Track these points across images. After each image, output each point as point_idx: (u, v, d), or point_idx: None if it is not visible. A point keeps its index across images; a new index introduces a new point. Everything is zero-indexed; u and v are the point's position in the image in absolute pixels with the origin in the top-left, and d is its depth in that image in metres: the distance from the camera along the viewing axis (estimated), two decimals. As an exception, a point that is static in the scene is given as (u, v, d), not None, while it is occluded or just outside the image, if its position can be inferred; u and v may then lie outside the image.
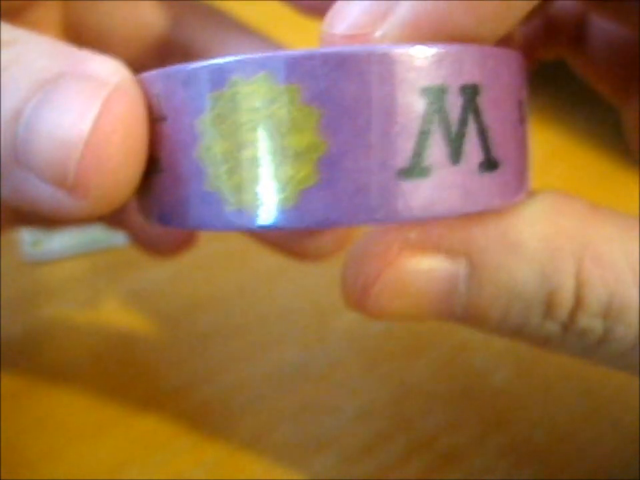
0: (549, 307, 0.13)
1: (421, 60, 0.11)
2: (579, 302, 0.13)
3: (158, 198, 0.13)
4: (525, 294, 0.13)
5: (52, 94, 0.12)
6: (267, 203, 0.11)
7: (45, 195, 0.12)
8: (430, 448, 0.21)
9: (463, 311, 0.13)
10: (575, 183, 0.33)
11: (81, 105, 0.12)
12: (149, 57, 0.20)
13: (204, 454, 0.20)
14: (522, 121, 0.13)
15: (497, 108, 0.12)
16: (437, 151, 0.12)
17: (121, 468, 0.20)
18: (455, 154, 0.12)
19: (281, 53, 0.11)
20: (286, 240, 0.20)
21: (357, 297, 0.13)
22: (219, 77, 0.11)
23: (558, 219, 0.13)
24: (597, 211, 0.13)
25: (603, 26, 0.19)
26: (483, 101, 0.12)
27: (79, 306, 0.25)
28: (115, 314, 0.25)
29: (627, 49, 0.19)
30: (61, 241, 0.27)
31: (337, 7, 0.12)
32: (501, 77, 0.12)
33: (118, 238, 0.28)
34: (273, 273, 0.27)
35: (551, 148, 0.36)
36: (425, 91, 0.11)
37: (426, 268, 0.13)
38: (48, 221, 0.22)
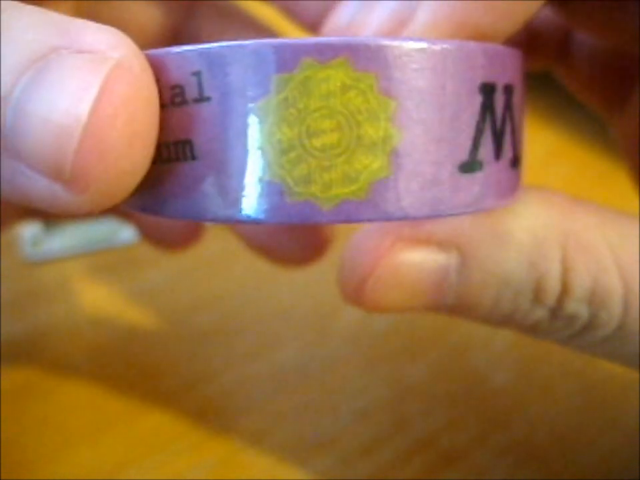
0: (537, 293, 0.13)
1: (482, 57, 0.12)
2: (565, 287, 0.13)
3: (185, 189, 0.12)
4: (514, 282, 0.13)
5: (44, 72, 0.10)
6: (337, 194, 0.11)
7: (39, 187, 0.11)
8: (430, 448, 0.21)
9: (455, 300, 0.14)
10: (575, 183, 0.33)
11: (78, 85, 0.10)
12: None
13: (204, 454, 0.20)
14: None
15: (520, 108, 0.13)
16: (487, 146, 0.12)
17: (121, 468, 0.20)
18: (498, 150, 0.12)
19: (362, 38, 0.11)
20: (272, 244, 0.20)
21: (353, 290, 0.14)
22: (289, 58, 0.11)
23: (542, 211, 0.13)
24: (577, 202, 0.14)
25: (587, 38, 0.19)
26: (515, 100, 0.13)
27: (78, 306, 0.25)
28: (115, 314, 0.25)
29: (611, 61, 0.19)
30: (61, 241, 0.27)
31: (356, 15, 0.13)
32: (522, 78, 0.13)
33: (119, 237, 0.28)
34: (273, 273, 0.27)
35: (550, 148, 0.36)
36: (483, 88, 0.12)
37: (418, 260, 0.13)
38: (50, 214, 0.22)
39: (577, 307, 0.14)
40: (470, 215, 0.13)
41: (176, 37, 0.20)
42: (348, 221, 0.11)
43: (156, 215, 0.12)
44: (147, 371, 0.23)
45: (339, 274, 0.14)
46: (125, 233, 0.28)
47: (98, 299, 0.25)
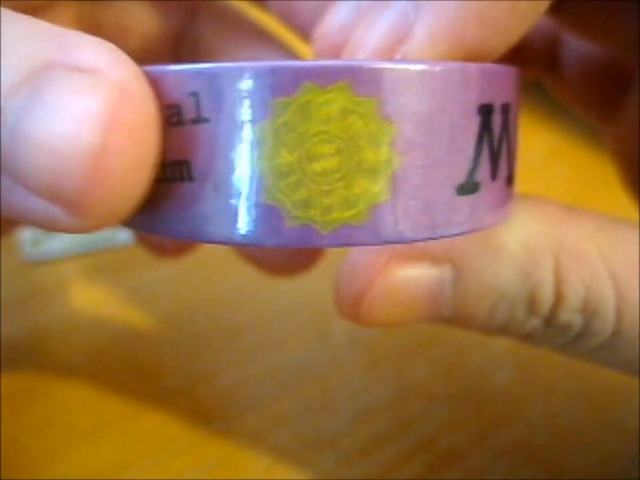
0: (531, 303, 0.14)
1: (481, 78, 0.12)
2: (558, 297, 0.13)
3: (182, 209, 0.11)
4: (508, 293, 0.14)
5: (40, 91, 0.10)
6: (337, 218, 0.11)
7: (36, 208, 0.10)
8: (430, 448, 0.21)
9: (451, 312, 0.14)
10: (575, 183, 0.33)
11: (77, 109, 0.10)
12: (162, 54, 0.20)
13: (204, 454, 0.20)
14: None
15: (515, 124, 0.13)
16: (484, 167, 0.12)
17: (121, 468, 0.20)
18: (494, 170, 0.12)
19: (362, 62, 0.11)
20: (263, 255, 0.20)
21: (350, 307, 0.14)
22: (290, 82, 0.10)
23: (534, 221, 0.14)
24: (571, 212, 0.14)
25: (575, 48, 0.19)
26: (511, 118, 0.12)
27: (79, 306, 0.25)
28: (115, 314, 0.25)
29: (601, 70, 0.19)
30: (61, 241, 0.27)
31: (351, 23, 0.13)
32: (518, 95, 0.13)
33: (118, 238, 0.28)
34: (273, 273, 0.27)
35: (551, 148, 0.36)
36: (481, 109, 0.12)
37: (413, 276, 0.14)
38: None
39: (570, 316, 0.14)
40: None
41: (177, 42, 0.20)
42: (347, 245, 0.11)
43: (153, 234, 0.12)
44: (146, 371, 0.23)
45: (335, 290, 0.14)
46: (125, 233, 0.28)
47: (98, 299, 0.25)
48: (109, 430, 0.21)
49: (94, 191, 0.10)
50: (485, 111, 0.12)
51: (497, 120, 0.12)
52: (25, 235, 0.27)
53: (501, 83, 0.12)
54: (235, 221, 0.11)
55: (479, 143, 0.12)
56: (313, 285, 0.26)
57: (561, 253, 0.13)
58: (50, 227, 0.11)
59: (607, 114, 0.19)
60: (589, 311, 0.13)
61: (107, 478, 0.20)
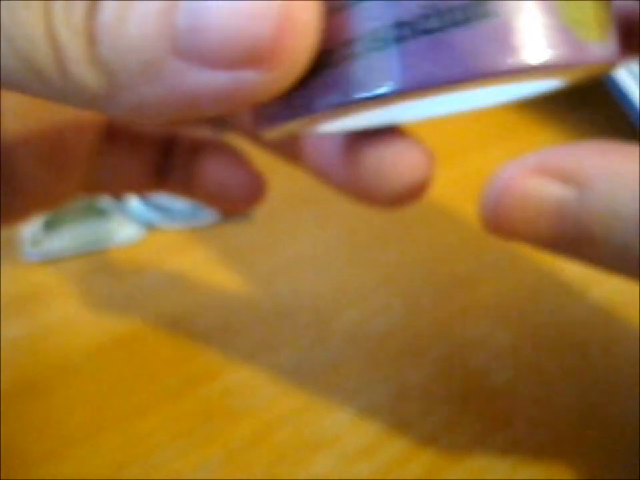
0: None
1: None
2: None
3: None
4: (627, 215, 0.14)
5: None
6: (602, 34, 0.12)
7: (217, 83, 0.11)
8: (430, 448, 0.21)
9: (573, 231, 0.15)
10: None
11: None
12: None
13: (204, 454, 0.20)
14: None
15: None
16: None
17: (121, 468, 0.20)
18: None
19: None
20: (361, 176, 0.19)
21: (491, 219, 0.16)
22: None
23: None
24: None
25: None
26: None
27: (78, 306, 0.25)
28: (115, 314, 0.25)
29: None
30: (60, 241, 0.27)
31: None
32: None
33: (118, 238, 0.28)
34: (273, 273, 0.27)
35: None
36: None
37: (542, 189, 0.15)
38: (119, 186, 0.22)
39: None
40: (586, 153, 0.15)
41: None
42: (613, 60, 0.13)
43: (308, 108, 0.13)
44: (146, 371, 0.23)
45: (480, 206, 0.16)
46: (125, 232, 0.28)
47: (98, 298, 0.25)
48: (109, 430, 0.21)
49: (286, 35, 0.11)
50: None
51: None
52: (25, 235, 0.27)
53: None
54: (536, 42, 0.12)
55: None
56: (313, 284, 0.26)
57: None
58: (233, 100, 0.12)
59: None
60: None
61: (106, 478, 0.20)
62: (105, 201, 0.29)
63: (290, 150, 0.20)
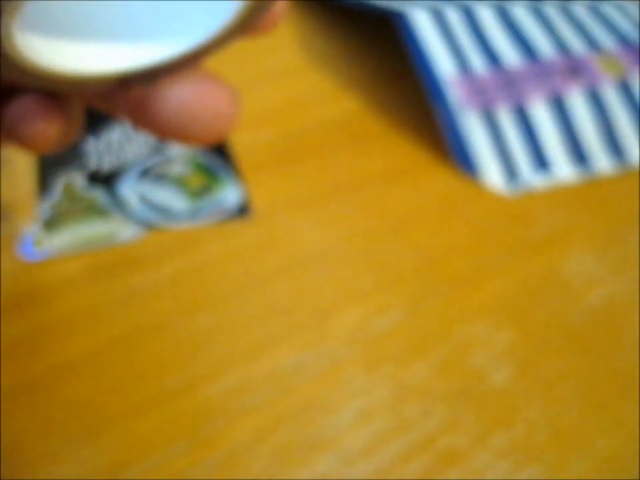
0: None
1: None
2: None
3: None
4: None
5: None
6: None
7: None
8: (430, 448, 0.21)
9: None
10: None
11: None
12: None
13: (204, 454, 0.20)
14: None
15: None
16: None
17: (121, 468, 0.20)
18: None
19: None
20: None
21: None
22: None
23: None
24: None
25: None
26: None
27: (78, 306, 0.25)
28: (115, 314, 0.25)
29: None
30: (60, 241, 0.27)
31: None
32: None
33: (118, 238, 0.28)
34: (273, 273, 0.27)
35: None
36: None
37: None
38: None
39: None
40: None
41: None
42: None
43: None
44: (146, 371, 0.23)
45: None
46: (125, 232, 0.28)
47: (98, 298, 0.25)
48: (109, 430, 0.21)
49: None
50: None
51: None
52: (25, 235, 0.27)
53: None
54: None
55: None
56: (313, 284, 0.26)
57: None
58: None
59: None
60: None
61: (106, 478, 0.20)
62: (105, 201, 0.29)
63: (111, 103, 0.20)
